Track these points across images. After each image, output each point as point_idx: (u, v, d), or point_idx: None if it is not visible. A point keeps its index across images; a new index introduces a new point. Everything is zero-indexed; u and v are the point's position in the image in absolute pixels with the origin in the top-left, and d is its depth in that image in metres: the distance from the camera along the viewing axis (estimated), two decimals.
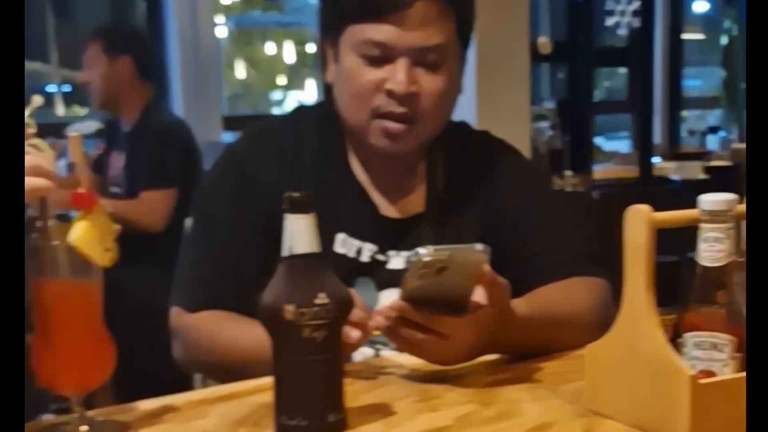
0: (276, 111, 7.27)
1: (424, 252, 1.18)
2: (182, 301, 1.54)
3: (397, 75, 1.47)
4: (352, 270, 1.52)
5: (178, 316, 1.53)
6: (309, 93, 7.27)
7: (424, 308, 1.24)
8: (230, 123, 5.54)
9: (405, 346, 1.30)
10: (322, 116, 1.62)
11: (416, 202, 1.61)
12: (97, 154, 3.67)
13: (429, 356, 1.31)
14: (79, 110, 6.88)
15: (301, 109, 1.73)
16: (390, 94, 1.48)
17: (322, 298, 1.06)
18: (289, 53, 7.22)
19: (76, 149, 1.08)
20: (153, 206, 3.34)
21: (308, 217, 1.08)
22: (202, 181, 1.67)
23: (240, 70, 7.04)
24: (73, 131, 1.12)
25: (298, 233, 1.07)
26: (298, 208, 1.07)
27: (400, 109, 1.49)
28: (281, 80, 7.34)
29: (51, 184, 1.06)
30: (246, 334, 1.38)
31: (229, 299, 1.49)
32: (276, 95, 7.44)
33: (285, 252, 1.08)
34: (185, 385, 3.26)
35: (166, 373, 1.70)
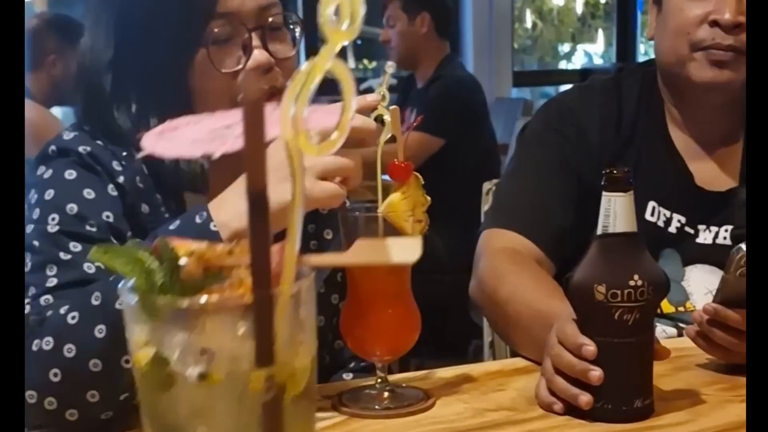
0: (564, 65, 7.13)
1: (745, 248, 1.09)
2: (494, 222, 1.54)
3: (723, 4, 1.40)
4: (658, 240, 1.46)
5: (485, 239, 1.53)
6: (598, 46, 7.07)
7: (739, 308, 1.13)
8: (519, 78, 5.50)
9: (716, 351, 1.21)
10: (642, 79, 1.58)
11: (732, 174, 1.52)
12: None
13: (743, 359, 1.22)
14: (368, 63, 7.11)
15: (623, 70, 1.68)
16: (715, 24, 1.41)
17: (635, 280, 1.02)
18: (579, 4, 7.04)
19: (395, 122, 1.10)
20: (411, 145, 3.34)
21: (627, 196, 1.02)
22: (529, 122, 1.66)
23: (528, 23, 6.96)
24: (368, 86, 1.14)
25: (615, 212, 1.03)
26: (616, 185, 1.03)
27: (726, 41, 1.41)
28: (570, 33, 7.18)
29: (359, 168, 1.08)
30: (528, 288, 1.36)
31: (538, 231, 1.48)
32: (564, 48, 7.29)
33: (599, 230, 1.04)
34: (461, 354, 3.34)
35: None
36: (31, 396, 1.06)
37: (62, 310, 1.07)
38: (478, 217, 1.93)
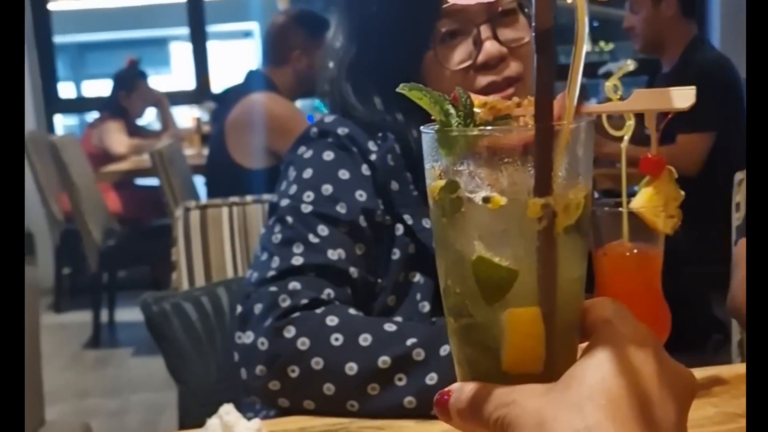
0: None
1: None
2: None
3: None
4: None
5: (739, 249, 1.47)
6: None
7: None
8: None
9: None
10: None
11: None
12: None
13: None
14: (605, 45, 6.91)
15: None
16: None
17: None
18: None
19: (649, 115, 1.05)
20: (689, 150, 3.23)
21: None
22: None
23: None
24: (607, 70, 1.09)
25: None
26: None
27: None
28: None
29: None
30: None
31: None
32: None
33: None
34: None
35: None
36: (261, 371, 1.13)
37: (329, 321, 1.13)
38: (726, 208, 1.83)
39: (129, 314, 5.03)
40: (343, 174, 1.27)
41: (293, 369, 1.11)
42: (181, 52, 11.09)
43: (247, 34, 12.21)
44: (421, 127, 0.63)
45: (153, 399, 3.87)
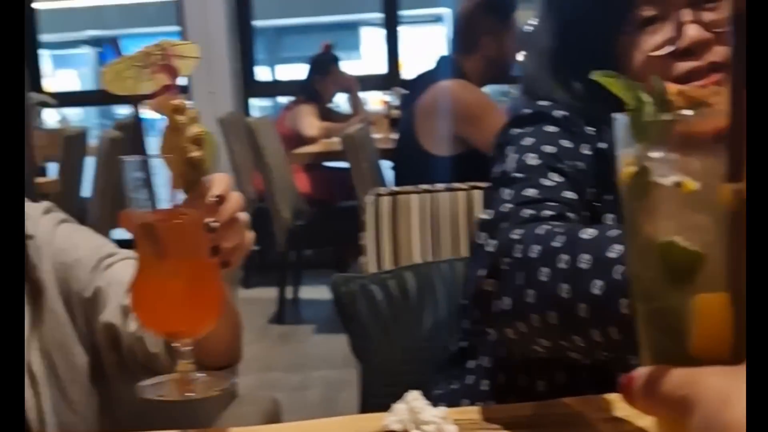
0: None
1: None
2: None
3: None
4: None
5: None
6: None
7: None
8: None
9: None
10: None
11: None
12: None
13: None
14: None
15: None
16: None
17: None
18: None
19: None
20: None
21: None
22: None
23: None
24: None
25: None
26: None
27: None
28: None
29: None
30: None
31: None
32: None
33: None
34: None
35: None
36: (481, 273, 1.03)
37: (555, 243, 0.99)
38: None
39: (312, 292, 5.17)
40: (566, 143, 1.20)
41: (506, 262, 1.00)
42: (371, 37, 11.26)
43: (437, 19, 12.27)
44: (613, 114, 0.63)
45: (333, 376, 3.97)
